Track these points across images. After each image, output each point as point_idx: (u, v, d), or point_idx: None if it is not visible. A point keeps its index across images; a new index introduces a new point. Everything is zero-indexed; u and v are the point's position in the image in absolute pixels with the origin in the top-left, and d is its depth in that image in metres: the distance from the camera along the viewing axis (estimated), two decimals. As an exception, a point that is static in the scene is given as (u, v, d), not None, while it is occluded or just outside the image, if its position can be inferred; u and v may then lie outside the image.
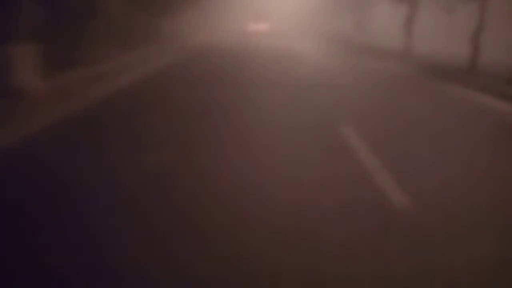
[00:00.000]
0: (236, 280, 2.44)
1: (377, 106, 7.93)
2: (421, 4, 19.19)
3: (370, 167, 4.40)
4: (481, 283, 2.52)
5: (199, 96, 8.08)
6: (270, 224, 3.07)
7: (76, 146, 4.83)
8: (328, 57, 18.40)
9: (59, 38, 10.93)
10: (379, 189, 3.80)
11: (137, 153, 4.58)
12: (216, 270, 2.53)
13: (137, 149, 4.72)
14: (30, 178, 3.84)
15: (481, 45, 13.19)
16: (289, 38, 33.30)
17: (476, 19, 15.55)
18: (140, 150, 4.69)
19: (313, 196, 3.58)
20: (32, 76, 7.83)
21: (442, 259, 2.71)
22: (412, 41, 18.94)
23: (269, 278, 2.47)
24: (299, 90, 9.32)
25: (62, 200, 3.38)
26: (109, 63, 11.45)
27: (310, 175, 4.09)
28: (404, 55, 17.95)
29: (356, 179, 4.05)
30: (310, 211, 3.30)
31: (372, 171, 4.28)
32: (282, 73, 12.13)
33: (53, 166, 4.13)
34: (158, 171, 4.07)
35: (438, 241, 2.92)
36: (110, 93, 8.13)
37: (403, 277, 2.53)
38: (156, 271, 2.50)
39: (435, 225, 3.15)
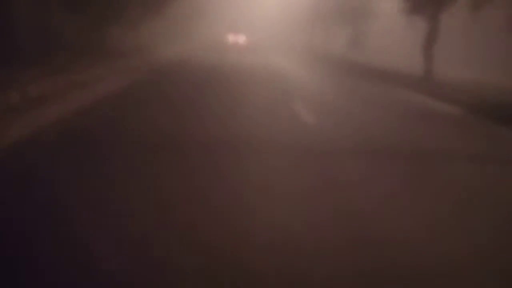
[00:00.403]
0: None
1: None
2: (444, 18, 15.37)
3: None
4: None
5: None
6: None
7: None
8: (327, 83, 14.34)
9: None
10: None
11: None
12: None
13: None
14: None
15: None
16: (272, 54, 29.25)
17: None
18: None
19: None
20: None
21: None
22: (433, 63, 15.06)
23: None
24: (300, 152, 5.09)
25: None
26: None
27: None
28: (431, 83, 14.02)
29: None
30: None
31: None
32: (272, 114, 7.89)
33: None
34: None
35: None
36: None
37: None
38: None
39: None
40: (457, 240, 3.45)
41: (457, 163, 5.86)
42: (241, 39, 45.00)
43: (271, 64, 21.03)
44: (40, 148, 4.98)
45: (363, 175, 4.93)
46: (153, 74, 13.68)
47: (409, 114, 9.55)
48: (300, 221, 3.55)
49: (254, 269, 2.77)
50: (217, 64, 19.00)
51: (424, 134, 7.61)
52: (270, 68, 18.58)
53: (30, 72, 9.55)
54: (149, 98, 9.25)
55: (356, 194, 4.31)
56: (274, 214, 3.65)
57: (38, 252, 2.82)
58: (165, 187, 4.11)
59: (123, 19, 18.53)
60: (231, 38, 45.14)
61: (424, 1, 15.19)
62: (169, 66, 16.70)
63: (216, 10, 49.26)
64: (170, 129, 6.45)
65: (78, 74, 10.58)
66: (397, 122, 8.45)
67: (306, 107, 9.19)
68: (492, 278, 2.97)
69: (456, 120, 9.45)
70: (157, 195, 3.87)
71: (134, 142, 5.55)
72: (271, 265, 2.83)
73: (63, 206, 3.49)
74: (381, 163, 5.49)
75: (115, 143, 5.46)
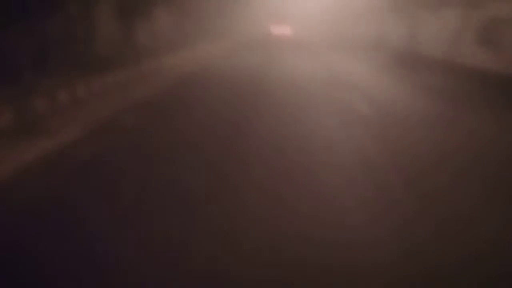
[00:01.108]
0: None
1: None
2: None
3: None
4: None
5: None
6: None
7: None
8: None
9: None
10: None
11: None
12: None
13: None
14: None
15: None
16: (335, 56, 21.04)
17: None
18: None
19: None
20: None
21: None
22: None
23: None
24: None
25: None
26: None
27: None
28: None
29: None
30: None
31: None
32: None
33: None
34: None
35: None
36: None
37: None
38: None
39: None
40: None
41: None
42: (286, 30, 38.91)
43: (345, 78, 13.05)
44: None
45: None
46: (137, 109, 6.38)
47: None
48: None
49: None
50: (261, 77, 11.43)
51: None
52: (349, 90, 10.68)
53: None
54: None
55: None
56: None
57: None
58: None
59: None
60: (275, 30, 38.94)
61: None
62: (174, 90, 9.25)
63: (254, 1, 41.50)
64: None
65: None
66: None
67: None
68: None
69: None
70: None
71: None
72: None
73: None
74: None
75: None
